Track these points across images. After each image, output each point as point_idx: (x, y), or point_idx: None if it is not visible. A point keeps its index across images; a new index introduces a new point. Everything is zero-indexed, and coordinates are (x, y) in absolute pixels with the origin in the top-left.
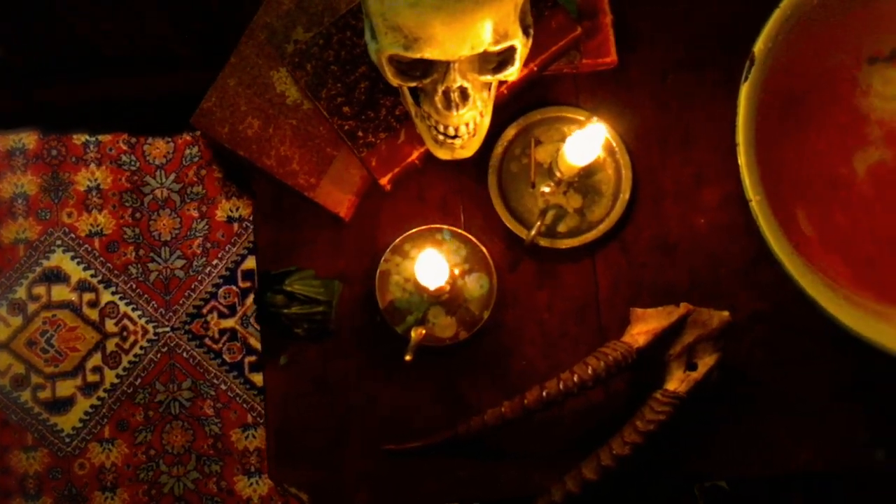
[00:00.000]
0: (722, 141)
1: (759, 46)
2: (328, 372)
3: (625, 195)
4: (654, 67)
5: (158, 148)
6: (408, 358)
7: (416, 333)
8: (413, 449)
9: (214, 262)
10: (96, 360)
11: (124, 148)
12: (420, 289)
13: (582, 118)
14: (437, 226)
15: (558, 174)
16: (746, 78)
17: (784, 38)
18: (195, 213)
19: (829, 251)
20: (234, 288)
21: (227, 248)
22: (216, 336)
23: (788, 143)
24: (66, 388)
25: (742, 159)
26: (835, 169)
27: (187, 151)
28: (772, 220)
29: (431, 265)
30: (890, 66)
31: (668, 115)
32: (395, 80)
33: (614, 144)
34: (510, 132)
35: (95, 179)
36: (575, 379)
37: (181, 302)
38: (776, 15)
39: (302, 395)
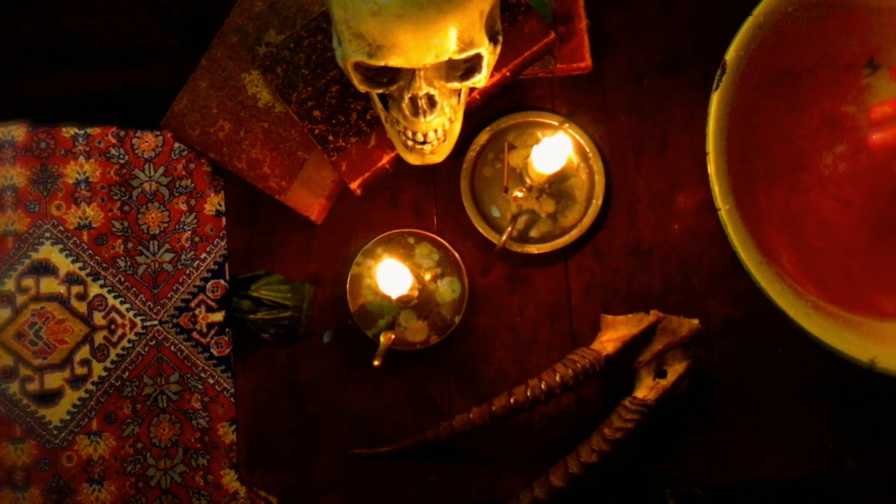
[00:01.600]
0: (698, 146)
1: (730, 55)
2: (299, 375)
3: (598, 200)
4: (630, 71)
5: (147, 141)
6: (376, 363)
7: (385, 338)
8: (382, 454)
9: (203, 255)
10: (84, 352)
11: (113, 141)
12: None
13: (556, 123)
14: (410, 230)
15: (528, 181)
16: (717, 86)
17: (758, 46)
18: (184, 207)
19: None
20: (221, 282)
21: (215, 242)
22: (204, 330)
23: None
24: (54, 380)
25: (712, 168)
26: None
27: (176, 145)
28: (742, 229)
29: (393, 274)
30: (869, 74)
31: (643, 120)
32: (361, 87)
33: (588, 149)
34: (483, 137)
35: (84, 172)
36: (542, 386)
37: (169, 295)
38: (749, 23)
39: (272, 398)
